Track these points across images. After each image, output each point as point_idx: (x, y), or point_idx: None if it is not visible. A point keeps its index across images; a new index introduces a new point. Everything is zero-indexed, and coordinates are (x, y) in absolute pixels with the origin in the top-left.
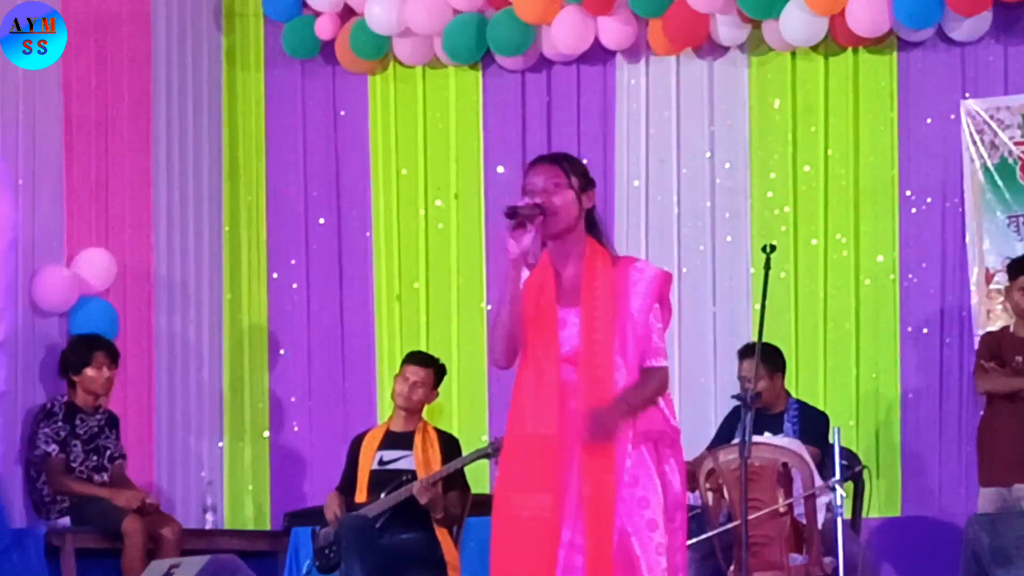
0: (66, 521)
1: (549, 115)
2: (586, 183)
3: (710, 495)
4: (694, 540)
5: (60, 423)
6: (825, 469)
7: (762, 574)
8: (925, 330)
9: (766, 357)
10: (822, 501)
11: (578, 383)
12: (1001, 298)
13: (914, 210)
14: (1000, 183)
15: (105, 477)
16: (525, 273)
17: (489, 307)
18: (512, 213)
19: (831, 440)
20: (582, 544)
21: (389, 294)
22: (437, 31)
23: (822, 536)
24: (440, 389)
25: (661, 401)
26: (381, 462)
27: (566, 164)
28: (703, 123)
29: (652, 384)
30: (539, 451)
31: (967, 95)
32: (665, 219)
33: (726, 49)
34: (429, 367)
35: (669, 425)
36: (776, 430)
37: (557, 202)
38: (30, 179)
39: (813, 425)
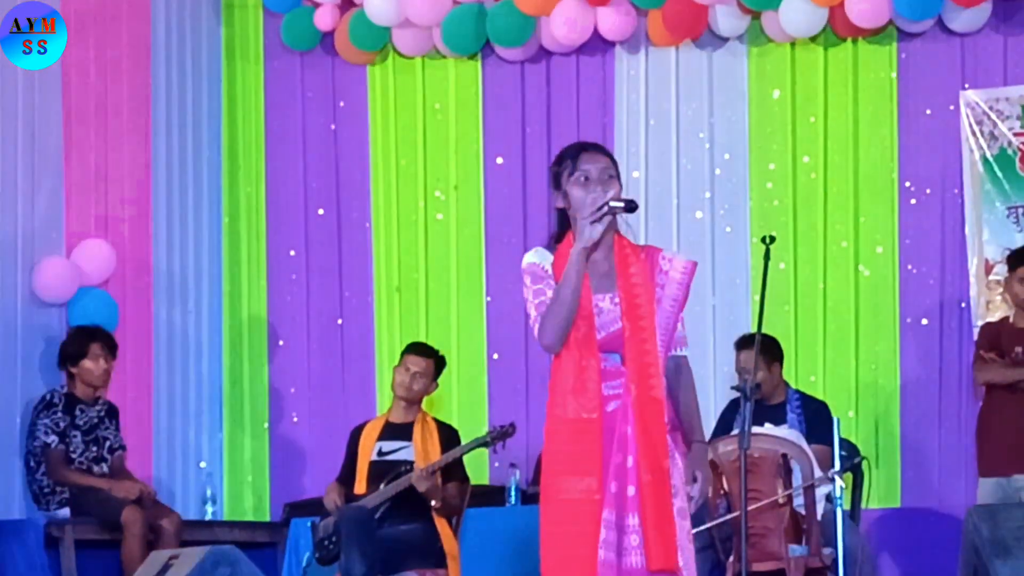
0: (65, 512)
1: (549, 106)
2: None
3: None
4: (694, 531)
5: (60, 414)
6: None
7: (761, 565)
8: (924, 321)
9: (763, 348)
10: (821, 492)
11: (627, 367)
12: (1001, 289)
13: (913, 201)
14: (999, 174)
15: (105, 468)
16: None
17: (489, 298)
18: (633, 207)
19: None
20: (627, 526)
21: (388, 285)
22: (436, 22)
23: (821, 527)
24: (440, 380)
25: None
26: (380, 453)
27: (613, 157)
28: (702, 114)
29: (692, 380)
30: (582, 435)
31: (966, 86)
32: (664, 210)
33: (725, 40)
34: (430, 358)
35: (675, 419)
36: (777, 421)
37: (613, 193)
38: (30, 170)
39: (820, 423)
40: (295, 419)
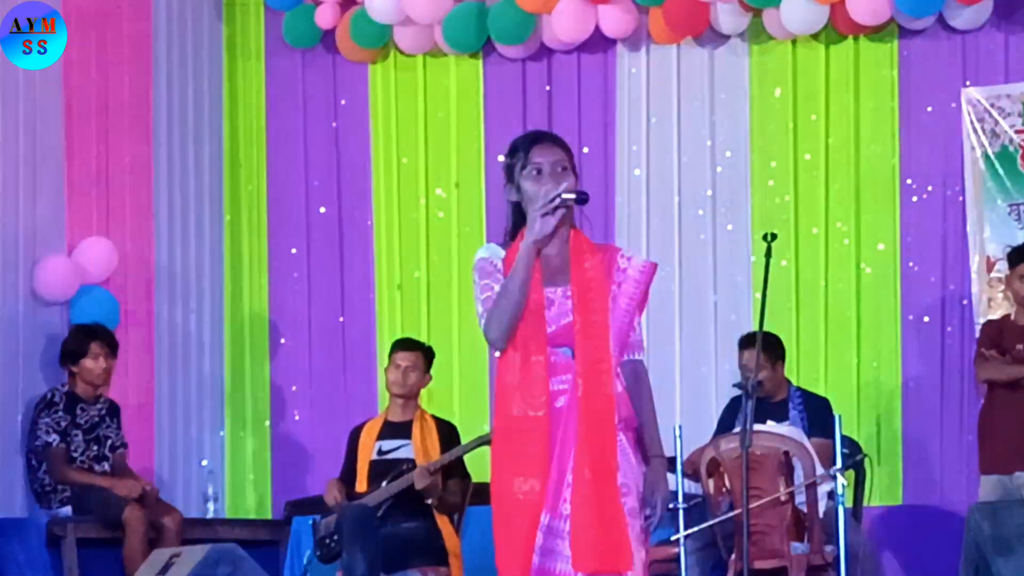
0: (67, 511)
1: (550, 104)
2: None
3: (711, 484)
4: (695, 529)
5: (61, 413)
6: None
7: (763, 562)
8: (926, 318)
9: (767, 346)
10: (823, 490)
11: (577, 362)
12: (1002, 286)
13: (915, 198)
14: (1001, 171)
15: (106, 466)
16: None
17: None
18: (584, 199)
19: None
20: (561, 529)
21: (390, 283)
22: (438, 20)
23: (823, 525)
24: (441, 377)
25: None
26: (380, 452)
27: (567, 148)
28: (704, 112)
29: (650, 390)
30: (527, 434)
31: (968, 83)
32: (666, 208)
33: (727, 37)
34: (418, 350)
35: (634, 418)
36: (779, 418)
37: (566, 185)
38: (31, 168)
39: (822, 417)
40: (297, 417)
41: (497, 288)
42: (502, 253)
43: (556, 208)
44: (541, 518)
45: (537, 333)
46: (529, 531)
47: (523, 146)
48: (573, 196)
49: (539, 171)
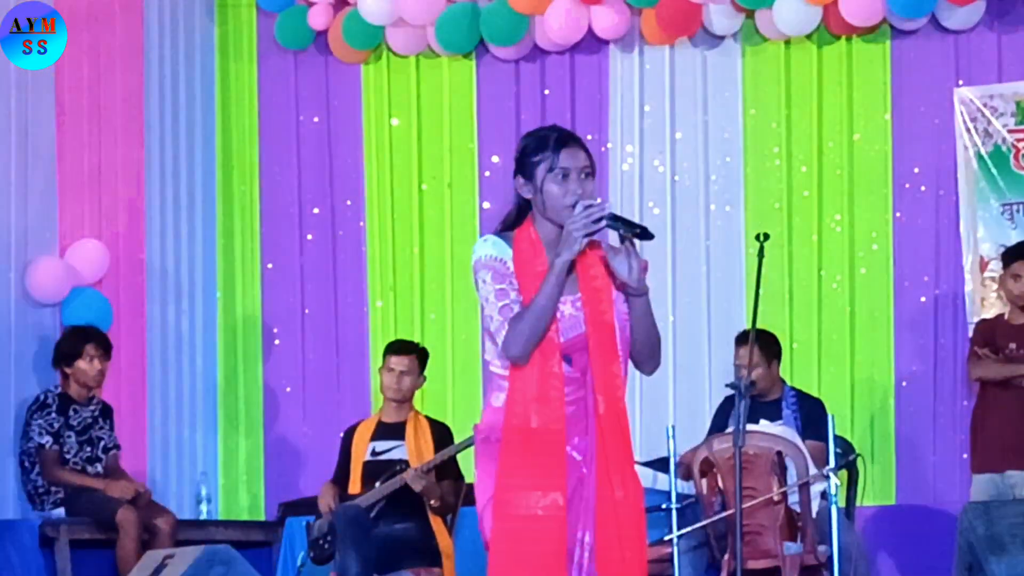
0: (60, 512)
1: (543, 104)
2: None
3: (704, 484)
4: (688, 529)
5: (53, 415)
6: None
7: (756, 563)
8: (919, 318)
9: (763, 344)
10: (816, 489)
11: (594, 377)
12: (995, 285)
13: (908, 198)
14: (994, 171)
15: (99, 468)
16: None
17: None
18: (638, 232)
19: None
20: (583, 542)
21: (383, 284)
22: (430, 21)
23: (816, 524)
24: (435, 378)
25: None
26: (374, 453)
27: (590, 152)
28: (697, 112)
29: (660, 343)
30: (546, 447)
31: (961, 83)
32: (659, 208)
33: (720, 38)
34: (411, 354)
35: None
36: (772, 418)
37: (589, 189)
38: (23, 170)
39: (816, 419)
40: (290, 418)
41: (514, 296)
42: (510, 251)
43: (600, 228)
44: (580, 535)
45: (552, 344)
46: (552, 546)
47: (552, 145)
48: (637, 231)
49: (565, 175)
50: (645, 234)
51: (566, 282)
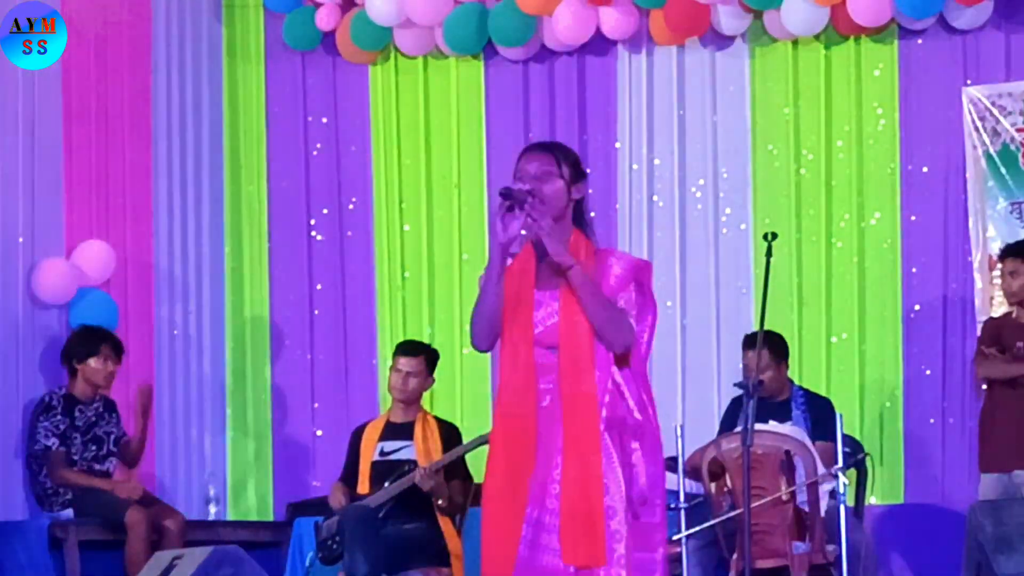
0: (69, 513)
1: (551, 105)
2: (577, 174)
3: (713, 484)
4: (697, 528)
5: (59, 416)
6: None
7: (765, 562)
8: (928, 317)
9: (771, 346)
10: (825, 489)
11: (559, 363)
12: None
13: (916, 197)
14: (1002, 170)
15: (107, 466)
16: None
17: None
18: (507, 194)
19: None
20: (547, 523)
21: (391, 284)
22: (438, 22)
23: (825, 524)
24: (444, 378)
25: (629, 395)
26: (382, 453)
27: (559, 153)
28: (705, 112)
29: (621, 317)
30: (519, 432)
31: (969, 82)
32: (667, 208)
33: (728, 39)
34: (420, 355)
35: (632, 418)
36: (781, 418)
37: (547, 191)
38: (30, 171)
39: (824, 417)
40: (298, 419)
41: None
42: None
43: (507, 210)
44: (527, 511)
45: (526, 334)
46: (514, 524)
47: (520, 156)
48: (503, 190)
49: (520, 179)
50: (507, 195)
51: (552, 277)
